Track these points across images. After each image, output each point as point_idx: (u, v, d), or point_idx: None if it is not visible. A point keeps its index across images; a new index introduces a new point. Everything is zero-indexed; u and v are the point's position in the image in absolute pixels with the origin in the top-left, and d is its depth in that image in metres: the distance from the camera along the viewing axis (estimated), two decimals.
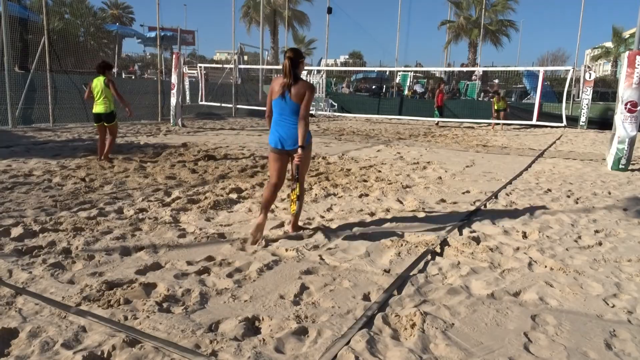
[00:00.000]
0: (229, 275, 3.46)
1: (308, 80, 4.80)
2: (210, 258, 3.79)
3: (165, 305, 2.99)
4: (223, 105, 20.45)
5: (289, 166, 4.27)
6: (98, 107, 7.82)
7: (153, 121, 16.09)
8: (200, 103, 19.91)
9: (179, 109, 14.94)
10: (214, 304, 3.03)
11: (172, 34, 28.05)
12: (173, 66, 14.97)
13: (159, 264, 3.63)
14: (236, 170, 7.55)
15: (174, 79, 14.83)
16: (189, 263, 3.66)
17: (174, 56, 15.25)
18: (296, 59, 4.04)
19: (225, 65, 22.74)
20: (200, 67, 21.86)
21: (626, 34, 36.93)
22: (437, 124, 18.72)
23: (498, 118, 18.00)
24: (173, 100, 14.85)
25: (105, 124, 7.88)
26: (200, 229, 4.47)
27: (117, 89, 7.86)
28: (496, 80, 25.10)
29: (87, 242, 4.00)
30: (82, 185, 6.12)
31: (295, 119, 4.06)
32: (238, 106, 20.90)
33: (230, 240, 4.21)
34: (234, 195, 5.83)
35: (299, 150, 4.00)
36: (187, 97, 19.14)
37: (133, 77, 25.41)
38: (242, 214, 5.12)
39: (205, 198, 5.62)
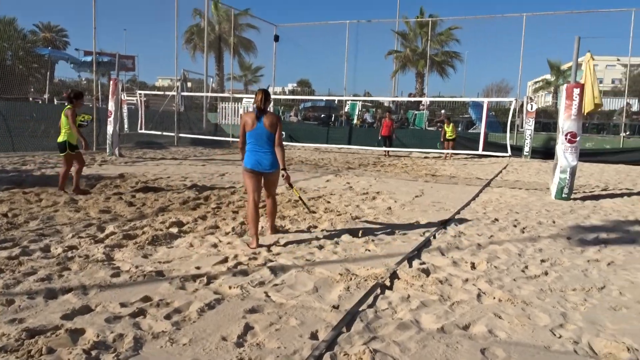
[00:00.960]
0: (167, 317, 3.33)
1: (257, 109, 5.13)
2: (146, 298, 3.64)
3: (94, 353, 2.82)
4: (165, 133, 20.10)
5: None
6: (58, 137, 7.94)
7: (87, 151, 15.53)
8: (140, 131, 19.46)
9: (116, 137, 14.54)
10: (150, 350, 2.89)
11: (110, 59, 27.50)
12: (110, 92, 14.62)
13: (89, 307, 3.44)
14: (177, 202, 7.41)
15: (111, 105, 14.47)
16: (123, 305, 3.50)
17: (111, 82, 14.91)
18: (267, 95, 5.27)
19: (167, 92, 22.43)
20: (140, 94, 21.48)
21: (564, 67, 39.59)
22: (387, 153, 19.03)
23: (448, 147, 18.64)
24: (110, 128, 14.45)
25: (59, 154, 7.94)
26: (137, 267, 4.31)
27: (74, 121, 7.77)
28: (443, 111, 26.12)
29: (6, 285, 3.75)
30: (4, 221, 5.78)
31: (269, 147, 5.20)
32: (181, 135, 20.60)
33: (170, 278, 4.07)
34: (174, 230, 5.69)
35: (282, 172, 5.22)
36: (126, 125, 18.68)
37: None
38: (182, 249, 4.99)
39: (143, 233, 5.47)
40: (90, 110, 16.27)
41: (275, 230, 5.74)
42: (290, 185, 5.51)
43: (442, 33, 33.52)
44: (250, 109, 25.72)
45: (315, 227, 6.21)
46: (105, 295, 3.67)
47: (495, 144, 19.19)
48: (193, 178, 10.29)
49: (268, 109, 5.23)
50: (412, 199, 8.66)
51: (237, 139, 21.50)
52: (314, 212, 6.68)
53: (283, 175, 5.30)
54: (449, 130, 18.87)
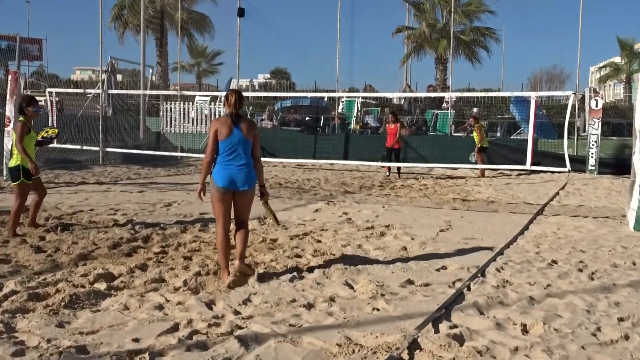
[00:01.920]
0: None
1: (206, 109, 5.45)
2: None
3: None
4: (86, 148, 20.03)
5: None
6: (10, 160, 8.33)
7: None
8: (51, 146, 19.36)
9: None
10: None
11: (9, 44, 27.47)
12: (8, 91, 14.59)
13: None
14: (105, 246, 7.35)
15: (9, 109, 14.42)
16: None
17: (9, 76, 14.89)
18: (241, 96, 5.95)
19: (88, 91, 22.43)
20: (50, 92, 21.45)
21: (639, 47, 40.29)
22: (389, 172, 18.45)
23: (481, 160, 18.80)
24: (8, 142, 14.35)
25: (11, 182, 8.27)
26: (49, 342, 4.25)
27: (21, 139, 8.02)
28: (475, 109, 26.36)
29: None
30: None
31: (246, 159, 5.87)
32: (108, 149, 20.56)
33: (96, 356, 4.02)
34: (101, 286, 5.64)
35: (262, 190, 6.14)
36: None
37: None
38: (114, 313, 4.92)
39: (57, 291, 5.39)
40: None
41: (245, 265, 6.09)
42: (267, 204, 6.51)
43: (470, 2, 33.98)
44: (206, 111, 25.88)
45: (302, 276, 6.17)
46: None
47: (549, 155, 19.37)
48: (127, 211, 10.23)
49: (242, 114, 5.87)
50: (435, 234, 8.67)
51: (187, 154, 21.74)
52: (281, 225, 7.47)
53: (262, 195, 6.15)
54: (476, 135, 19.03)
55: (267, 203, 6.52)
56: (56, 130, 8.98)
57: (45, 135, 8.64)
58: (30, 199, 8.47)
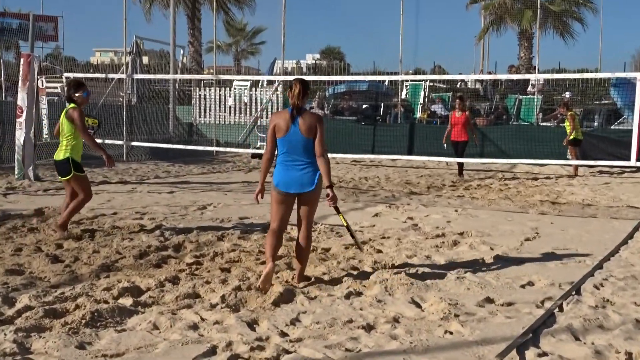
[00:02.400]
0: None
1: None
2: None
3: None
4: (108, 141, 20.42)
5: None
6: (56, 153, 8.63)
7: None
8: None
9: (31, 149, 14.81)
10: None
11: (20, 24, 28.22)
12: (21, 77, 14.95)
13: None
14: (131, 255, 7.47)
15: (21, 98, 14.78)
16: None
17: (22, 60, 15.25)
18: (306, 87, 6.23)
19: (110, 75, 22.88)
20: (67, 77, 21.92)
21: None
22: (459, 168, 17.96)
23: (571, 155, 18.43)
24: (20, 136, 14.74)
25: (60, 178, 8.68)
26: None
27: (84, 126, 8.52)
28: (567, 94, 25.87)
29: None
30: None
31: (306, 159, 6.19)
32: (134, 143, 20.89)
33: None
34: (127, 301, 5.72)
35: (328, 192, 6.22)
36: (46, 130, 19.05)
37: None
38: (142, 333, 5.00)
39: (77, 307, 5.49)
40: None
41: (304, 278, 6.56)
42: (337, 210, 6.80)
43: None
44: (245, 98, 26.07)
45: (360, 292, 6.18)
46: None
47: None
48: (155, 214, 10.39)
49: (306, 107, 6.20)
50: (519, 243, 8.59)
51: (224, 149, 21.95)
52: (363, 251, 7.68)
53: (328, 196, 6.29)
54: (568, 125, 18.62)
55: (338, 210, 6.82)
56: (96, 121, 9.51)
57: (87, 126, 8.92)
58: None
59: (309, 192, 6.25)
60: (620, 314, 5.59)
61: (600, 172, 18.87)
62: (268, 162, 6.45)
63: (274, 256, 6.31)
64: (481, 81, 29.85)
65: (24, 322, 5.12)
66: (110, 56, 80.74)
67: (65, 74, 19.69)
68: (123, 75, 21.94)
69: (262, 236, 8.76)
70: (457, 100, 18.40)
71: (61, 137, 8.62)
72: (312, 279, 6.62)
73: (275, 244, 6.34)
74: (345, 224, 6.94)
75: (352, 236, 7.10)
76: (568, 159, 18.90)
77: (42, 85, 15.51)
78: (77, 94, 8.61)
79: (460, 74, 31.90)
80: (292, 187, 6.25)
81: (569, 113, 18.87)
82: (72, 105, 8.55)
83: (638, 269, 7.26)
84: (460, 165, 17.80)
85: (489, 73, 32.48)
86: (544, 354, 4.69)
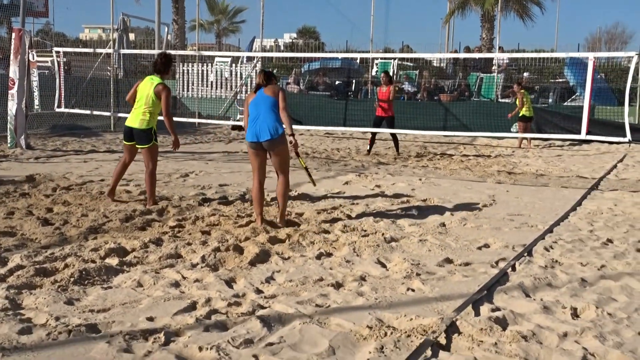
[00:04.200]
0: None
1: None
2: None
3: None
4: (96, 113, 20.23)
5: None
6: (132, 118, 8.50)
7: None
8: (58, 110, 19.60)
9: (22, 119, 14.66)
10: None
11: (11, 0, 27.74)
12: (12, 51, 14.74)
13: None
14: (117, 218, 7.46)
15: (13, 71, 14.60)
16: None
17: (13, 35, 15.03)
18: (270, 75, 7.37)
19: (99, 50, 22.58)
20: (58, 52, 21.63)
21: None
22: (395, 145, 16.04)
23: (525, 129, 18.56)
24: (12, 107, 14.58)
25: (138, 146, 8.56)
26: (57, 319, 4.34)
27: (169, 106, 8.49)
28: (526, 74, 25.98)
29: None
30: None
31: (270, 112, 7.06)
32: (120, 114, 20.68)
33: (108, 335, 4.10)
34: (113, 261, 5.72)
35: (291, 138, 7.11)
36: (37, 101, 18.81)
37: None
38: (127, 290, 5.01)
39: (66, 266, 5.49)
40: None
41: (285, 222, 7.40)
42: (297, 155, 7.63)
43: None
44: (226, 73, 25.90)
45: (330, 253, 6.22)
46: None
47: (606, 123, 19.10)
48: (140, 181, 10.34)
49: (282, 83, 6.97)
50: (478, 209, 8.67)
51: (206, 120, 21.85)
52: (316, 185, 8.66)
53: (291, 142, 7.15)
54: (526, 105, 18.69)
55: (299, 154, 7.70)
56: None
57: None
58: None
59: (272, 140, 7.04)
60: (568, 274, 5.67)
61: (553, 145, 19.03)
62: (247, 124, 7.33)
63: (262, 209, 7.36)
64: (447, 60, 29.86)
65: (15, 280, 5.12)
66: (98, 32, 79.47)
67: (56, 49, 19.38)
68: (110, 51, 21.65)
69: (240, 202, 8.80)
70: (382, 75, 16.58)
71: (142, 106, 8.41)
72: (299, 226, 7.37)
73: (260, 197, 7.33)
74: (303, 166, 7.94)
75: (309, 175, 8.02)
76: (512, 132, 19.08)
77: (33, 59, 15.29)
78: (167, 67, 8.53)
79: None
80: (255, 137, 7.08)
81: (521, 91, 18.97)
82: (159, 79, 8.40)
83: (585, 233, 7.36)
84: (396, 141, 16.15)
85: (455, 51, 32.50)
86: (497, 309, 4.75)
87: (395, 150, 16.01)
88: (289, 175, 7.49)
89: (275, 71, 30.88)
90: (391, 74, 28.02)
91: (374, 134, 16.23)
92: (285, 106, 7.12)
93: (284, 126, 7.15)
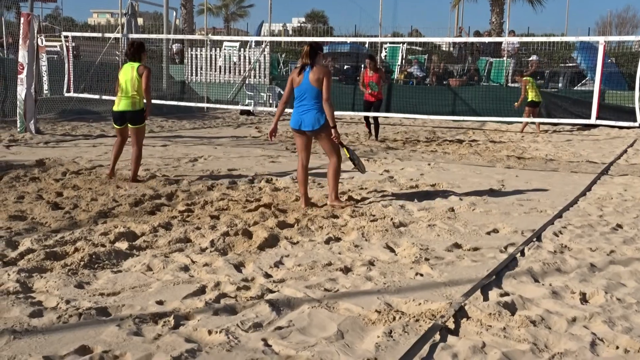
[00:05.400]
0: None
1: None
2: (84, 350, 3.70)
3: None
4: (105, 97, 20.21)
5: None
6: (123, 103, 8.99)
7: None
8: (67, 95, 19.62)
9: (31, 104, 14.71)
10: None
11: None
12: (21, 36, 14.76)
13: None
14: (127, 203, 7.48)
15: (22, 55, 14.62)
16: (49, 359, 3.57)
17: (22, 20, 15.04)
18: (316, 48, 7.31)
19: (107, 35, 22.56)
20: (66, 36, 21.63)
21: None
22: (375, 129, 15.81)
23: (532, 114, 18.45)
24: (22, 91, 14.61)
25: (131, 126, 9.02)
26: (68, 303, 4.37)
27: (149, 82, 9.03)
28: (534, 57, 25.79)
29: None
30: None
31: (313, 103, 7.27)
32: None
33: (118, 319, 4.13)
34: (123, 245, 5.75)
35: (332, 132, 7.34)
36: (46, 86, 18.85)
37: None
38: (136, 274, 5.04)
39: (76, 250, 5.52)
40: None
41: (338, 201, 7.68)
42: (342, 145, 7.79)
43: None
44: (235, 58, 25.85)
45: (339, 238, 6.23)
46: (20, 345, 3.73)
47: (617, 108, 18.98)
48: (149, 166, 10.37)
49: (318, 63, 7.32)
50: (487, 194, 8.65)
51: (214, 105, 21.82)
52: (364, 172, 8.57)
53: (331, 135, 7.36)
54: (532, 91, 18.57)
55: (342, 144, 7.85)
56: None
57: None
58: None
59: (314, 131, 7.34)
60: (577, 259, 5.67)
61: (562, 131, 18.95)
62: (282, 107, 7.74)
63: (306, 190, 7.63)
64: (456, 44, 29.72)
65: (26, 264, 5.15)
66: (107, 17, 79.44)
67: (64, 33, 19.36)
68: (119, 35, 21.63)
69: (249, 186, 8.81)
70: (367, 60, 16.35)
71: (129, 91, 8.91)
72: (346, 205, 7.67)
73: (304, 179, 7.58)
74: (347, 156, 8.08)
75: (355, 164, 8.18)
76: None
77: (42, 44, 15.30)
78: (143, 53, 9.12)
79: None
80: (297, 124, 7.39)
81: (524, 79, 18.84)
82: (138, 63, 8.97)
83: (594, 218, 7.34)
84: (377, 126, 15.88)
85: (460, 29, 32.32)
86: (506, 294, 4.75)
87: (374, 135, 15.70)
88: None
89: (283, 55, 30.87)
90: (400, 59, 28.03)
91: (367, 118, 16.14)
92: (329, 97, 7.25)
93: (325, 115, 7.34)
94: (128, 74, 8.94)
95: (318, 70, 7.26)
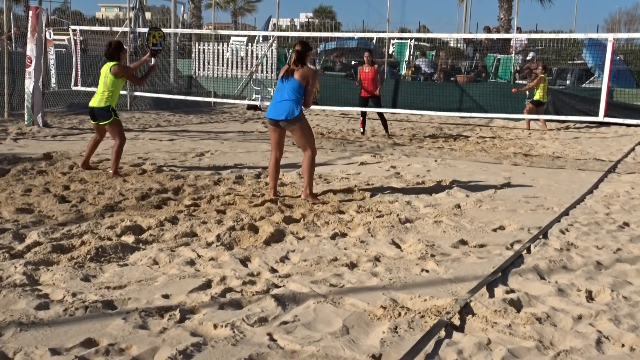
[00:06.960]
0: None
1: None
2: (90, 342, 3.72)
3: None
4: None
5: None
6: (92, 100, 9.24)
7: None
8: (75, 88, 19.64)
9: (39, 98, 14.74)
10: None
11: None
12: (29, 29, 14.78)
13: (4, 355, 3.53)
14: (133, 197, 7.49)
15: (30, 49, 14.64)
16: (55, 352, 3.58)
17: (30, 13, 15.06)
18: (304, 51, 7.45)
19: (115, 28, 22.58)
20: (74, 30, 21.67)
21: None
22: (384, 126, 15.70)
23: (536, 111, 18.39)
24: (29, 85, 14.64)
25: (100, 123, 9.15)
26: (74, 295, 4.39)
27: (133, 75, 9.51)
28: (532, 54, 25.71)
29: None
30: None
31: (291, 95, 7.37)
32: (136, 93, 20.74)
33: (124, 312, 4.14)
34: (129, 239, 5.77)
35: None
36: (53, 79, 18.91)
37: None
38: (142, 268, 5.05)
39: (83, 243, 5.54)
40: None
41: (312, 196, 7.67)
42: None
43: None
44: (242, 53, 25.85)
45: (345, 234, 6.23)
46: (27, 338, 3.75)
47: (625, 106, 18.93)
48: (156, 160, 10.38)
49: (306, 64, 7.52)
50: (493, 191, 8.64)
51: (222, 100, 21.84)
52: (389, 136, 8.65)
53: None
54: (540, 90, 18.50)
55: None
56: (161, 33, 10.28)
57: (154, 42, 9.95)
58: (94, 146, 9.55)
59: (286, 121, 7.42)
60: (583, 257, 5.66)
61: (569, 128, 18.91)
62: None
63: (275, 184, 7.79)
64: (464, 40, 29.65)
65: (33, 257, 5.17)
66: (115, 11, 79.49)
67: (72, 27, 19.39)
68: (127, 29, 21.67)
69: (255, 181, 8.82)
70: (366, 54, 16.03)
71: (101, 87, 9.09)
72: (320, 201, 7.61)
73: (274, 173, 7.72)
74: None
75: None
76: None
77: (50, 37, 15.33)
78: (121, 53, 9.19)
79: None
80: (273, 115, 7.50)
81: (540, 75, 18.69)
82: (113, 62, 9.07)
83: (601, 216, 7.33)
84: (384, 122, 15.72)
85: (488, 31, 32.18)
86: (512, 291, 4.75)
87: (384, 130, 15.66)
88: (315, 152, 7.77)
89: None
90: (407, 55, 27.97)
91: (364, 114, 16.02)
92: (309, 102, 7.58)
93: (300, 108, 7.47)
94: (104, 72, 9.12)
95: (306, 69, 7.49)
